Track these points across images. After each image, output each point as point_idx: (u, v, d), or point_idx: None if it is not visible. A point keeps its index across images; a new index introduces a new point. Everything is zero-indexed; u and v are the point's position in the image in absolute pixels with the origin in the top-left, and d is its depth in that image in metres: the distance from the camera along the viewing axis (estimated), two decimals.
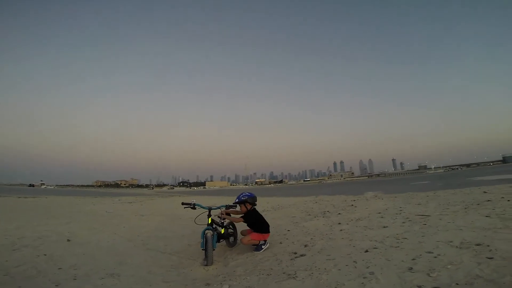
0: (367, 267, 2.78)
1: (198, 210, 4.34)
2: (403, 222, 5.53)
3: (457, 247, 2.95)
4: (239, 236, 4.62)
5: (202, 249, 3.82)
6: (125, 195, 29.56)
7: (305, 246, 4.16)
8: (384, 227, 5.19)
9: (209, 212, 4.16)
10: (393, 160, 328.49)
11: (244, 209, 4.34)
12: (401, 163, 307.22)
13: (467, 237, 3.21)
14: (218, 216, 4.38)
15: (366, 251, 3.32)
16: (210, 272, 3.59)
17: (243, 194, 4.41)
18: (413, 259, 2.78)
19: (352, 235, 4.58)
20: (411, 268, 2.56)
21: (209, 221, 4.07)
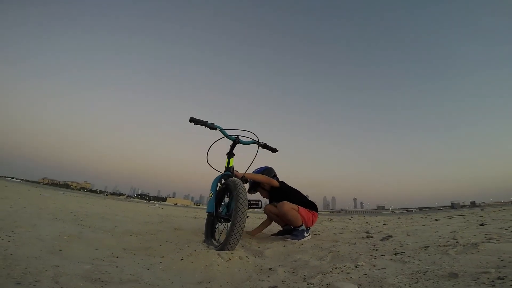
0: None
1: (214, 137, 2.27)
2: (449, 218, 5.04)
3: None
4: (269, 210, 2.95)
5: (209, 214, 1.96)
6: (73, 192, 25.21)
7: (367, 232, 2.83)
8: (436, 219, 4.74)
9: (234, 144, 2.32)
10: (354, 199, 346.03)
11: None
12: (361, 203, 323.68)
13: None
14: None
15: (482, 224, 2.97)
16: (235, 267, 1.49)
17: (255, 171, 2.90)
18: None
19: (414, 225, 3.90)
20: None
21: (231, 163, 2.26)
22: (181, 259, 1.51)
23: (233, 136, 2.32)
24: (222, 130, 2.28)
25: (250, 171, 2.48)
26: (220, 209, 2.04)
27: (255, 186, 2.86)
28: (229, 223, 1.68)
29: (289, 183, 2.83)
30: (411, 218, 5.87)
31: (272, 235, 2.98)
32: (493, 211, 6.11)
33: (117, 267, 1.36)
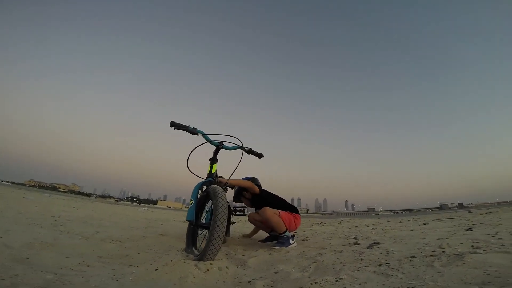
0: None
1: (195, 142, 2.16)
2: (437, 222, 5.05)
3: None
4: (253, 217, 2.97)
5: (189, 222, 1.87)
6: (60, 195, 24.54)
7: (355, 238, 2.79)
8: (424, 223, 4.70)
9: (217, 150, 2.25)
10: (346, 201, 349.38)
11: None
12: (353, 205, 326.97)
13: None
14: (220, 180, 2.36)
15: (470, 229, 2.95)
16: (212, 279, 1.38)
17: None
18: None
19: (402, 229, 3.85)
20: None
21: (214, 169, 2.17)
22: (156, 269, 1.42)
23: (216, 141, 2.25)
24: (204, 135, 2.19)
25: (234, 177, 2.42)
26: (203, 216, 1.97)
27: (239, 195, 2.87)
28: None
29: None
30: (400, 222, 5.89)
31: (259, 241, 2.96)
32: (480, 214, 6.17)
33: (82, 277, 1.27)
